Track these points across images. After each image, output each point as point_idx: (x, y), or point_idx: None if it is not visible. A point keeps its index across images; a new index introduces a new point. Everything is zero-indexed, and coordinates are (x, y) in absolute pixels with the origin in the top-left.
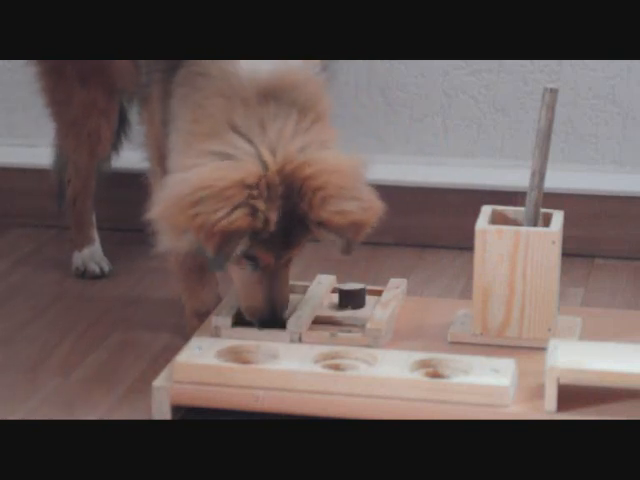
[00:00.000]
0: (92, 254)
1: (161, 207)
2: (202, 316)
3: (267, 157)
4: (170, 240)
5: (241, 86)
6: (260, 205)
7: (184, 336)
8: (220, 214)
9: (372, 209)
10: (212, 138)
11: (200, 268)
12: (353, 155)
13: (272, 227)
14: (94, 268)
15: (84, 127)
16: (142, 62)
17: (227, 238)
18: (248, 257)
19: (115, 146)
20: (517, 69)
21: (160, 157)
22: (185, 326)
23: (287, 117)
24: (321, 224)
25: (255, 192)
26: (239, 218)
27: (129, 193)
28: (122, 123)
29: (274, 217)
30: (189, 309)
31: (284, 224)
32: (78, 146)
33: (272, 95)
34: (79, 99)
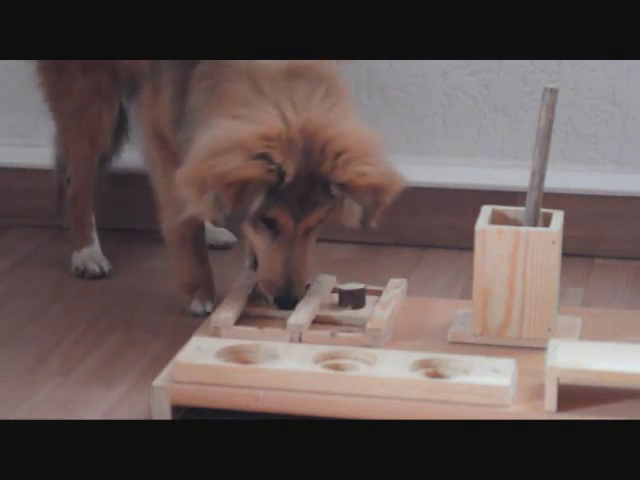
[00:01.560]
0: (91, 254)
1: (187, 168)
2: (192, 290)
3: (290, 115)
4: (194, 203)
5: (267, 67)
6: (277, 156)
7: (184, 336)
8: (235, 163)
9: (392, 176)
10: (242, 106)
11: (194, 238)
12: (373, 130)
13: (288, 179)
14: (94, 268)
15: (85, 115)
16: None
17: (242, 188)
18: (267, 221)
19: (117, 146)
20: (517, 69)
21: (155, 134)
22: (185, 326)
23: (314, 91)
24: (342, 186)
25: (274, 144)
26: (254, 167)
27: (129, 193)
28: (123, 123)
29: (291, 170)
30: (178, 282)
31: (303, 185)
32: (78, 136)
33: (298, 73)
34: (81, 87)
